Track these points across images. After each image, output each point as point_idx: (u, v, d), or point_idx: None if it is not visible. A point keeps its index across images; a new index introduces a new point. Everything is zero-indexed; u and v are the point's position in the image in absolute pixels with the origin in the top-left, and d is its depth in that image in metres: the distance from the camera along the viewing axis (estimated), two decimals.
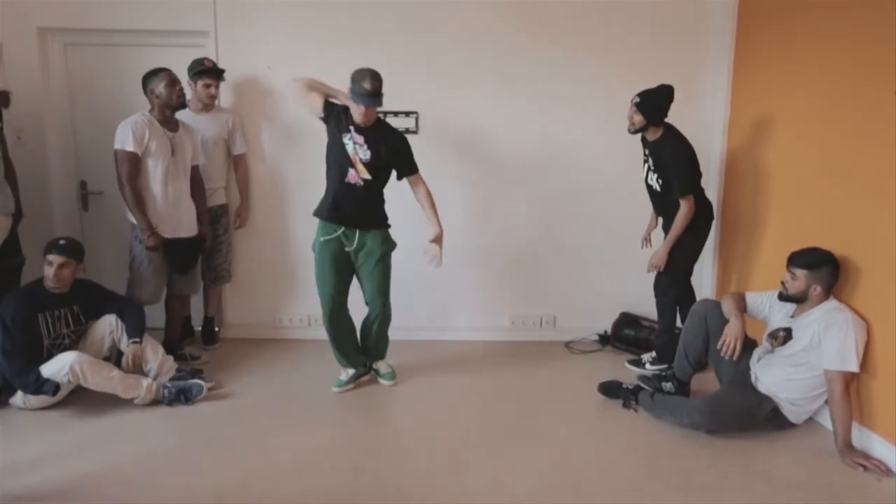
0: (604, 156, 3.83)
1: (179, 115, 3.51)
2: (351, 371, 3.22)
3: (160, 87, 3.13)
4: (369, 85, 2.77)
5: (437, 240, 3.02)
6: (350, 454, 2.58)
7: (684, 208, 3.18)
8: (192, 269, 3.46)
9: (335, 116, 2.97)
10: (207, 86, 3.47)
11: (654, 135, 3.23)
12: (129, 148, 3.06)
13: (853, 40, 2.66)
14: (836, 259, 2.62)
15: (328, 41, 3.70)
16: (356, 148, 2.93)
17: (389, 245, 3.11)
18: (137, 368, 3.00)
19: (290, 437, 2.67)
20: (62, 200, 3.87)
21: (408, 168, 3.07)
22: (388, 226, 3.11)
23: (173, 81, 3.17)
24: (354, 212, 3.00)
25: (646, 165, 3.35)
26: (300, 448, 2.58)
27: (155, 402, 2.92)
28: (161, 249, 3.19)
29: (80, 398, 2.96)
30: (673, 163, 3.16)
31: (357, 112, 2.87)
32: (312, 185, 3.78)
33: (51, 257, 2.90)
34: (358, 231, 3.02)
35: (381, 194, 3.09)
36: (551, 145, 3.83)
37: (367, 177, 2.95)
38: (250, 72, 3.73)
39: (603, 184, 3.86)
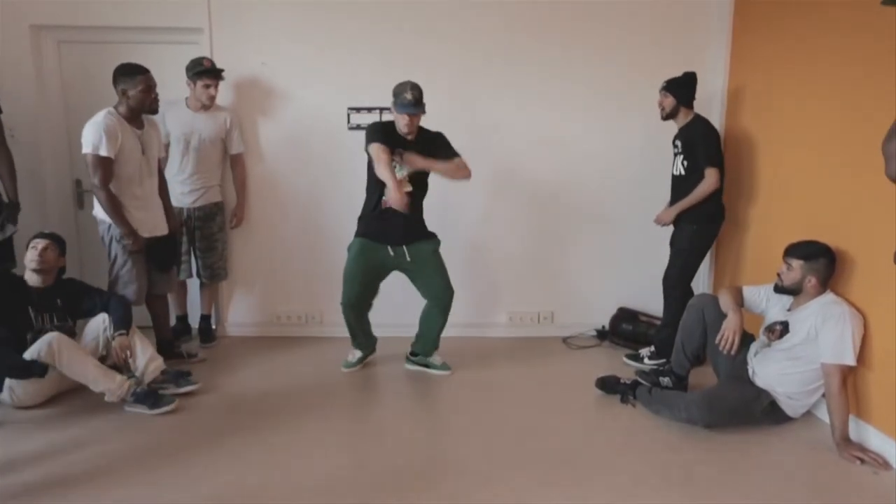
0: (603, 153, 3.83)
1: (179, 111, 3.51)
2: (359, 353, 3.38)
3: (135, 90, 2.98)
4: (410, 95, 2.92)
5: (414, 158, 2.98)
6: (348, 449, 2.58)
7: (709, 179, 3.17)
8: (173, 265, 3.43)
9: (388, 140, 2.99)
10: (207, 86, 3.45)
11: (684, 119, 3.27)
12: (104, 153, 2.91)
13: (851, 37, 2.66)
14: (833, 252, 2.62)
15: (324, 39, 3.69)
16: (402, 168, 3.01)
17: (436, 241, 3.22)
18: (126, 361, 2.94)
19: (288, 434, 2.67)
20: (57, 199, 3.85)
21: (448, 154, 3.06)
22: (433, 234, 3.22)
23: (150, 87, 3.02)
24: (397, 230, 3.08)
25: (674, 157, 3.37)
26: (298, 444, 2.58)
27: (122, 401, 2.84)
28: (143, 251, 3.14)
29: (75, 397, 2.95)
30: (703, 137, 3.20)
31: (402, 122, 2.98)
32: (310, 183, 3.80)
33: (34, 241, 2.94)
34: (405, 247, 3.12)
35: (421, 206, 3.17)
36: (550, 142, 3.82)
37: (408, 189, 3.02)
38: (246, 69, 3.71)
39: (601, 180, 3.86)
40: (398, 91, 2.96)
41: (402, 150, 2.99)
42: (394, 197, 2.83)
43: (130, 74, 3.00)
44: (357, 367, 3.36)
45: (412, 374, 3.37)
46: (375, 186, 3.07)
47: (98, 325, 3.02)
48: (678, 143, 3.32)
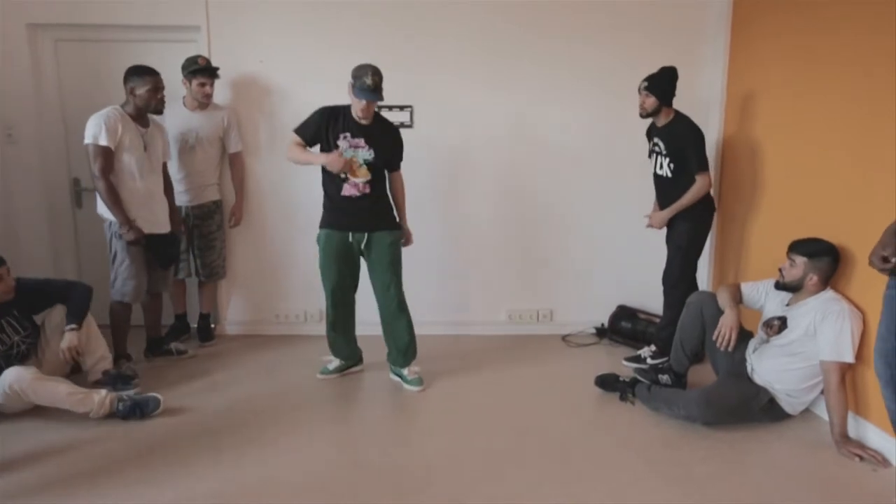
0: (601, 149, 3.83)
1: (176, 110, 3.50)
2: (338, 362, 3.28)
3: (142, 89, 3.06)
4: (370, 80, 2.80)
5: (407, 235, 3.18)
6: (347, 448, 2.58)
7: (699, 183, 3.15)
8: (172, 264, 3.43)
9: (325, 129, 2.94)
10: (202, 84, 3.43)
11: (665, 119, 3.22)
12: (103, 142, 2.97)
13: (851, 35, 2.65)
14: (838, 251, 2.61)
15: (322, 35, 3.68)
16: (355, 152, 2.93)
17: (398, 234, 3.12)
18: (72, 362, 2.89)
19: (287, 432, 2.67)
20: (55, 198, 3.85)
21: (395, 163, 3.11)
22: (398, 227, 3.13)
23: (157, 88, 3.10)
24: (361, 218, 3.01)
25: (654, 156, 3.33)
26: (297, 443, 2.58)
27: (110, 415, 2.73)
28: (142, 244, 3.14)
29: None
30: (690, 139, 3.14)
31: (358, 107, 2.88)
32: (309, 181, 3.77)
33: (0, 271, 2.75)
34: (367, 234, 3.03)
35: (386, 193, 3.11)
36: (548, 139, 3.81)
37: (367, 178, 2.95)
38: (244, 68, 3.70)
39: (600, 177, 3.86)
40: (358, 74, 2.82)
41: (351, 135, 2.93)
42: (332, 160, 2.86)
43: (140, 74, 3.09)
44: (335, 376, 3.25)
45: None
46: (331, 176, 2.98)
47: (56, 319, 2.94)
48: (659, 143, 3.27)
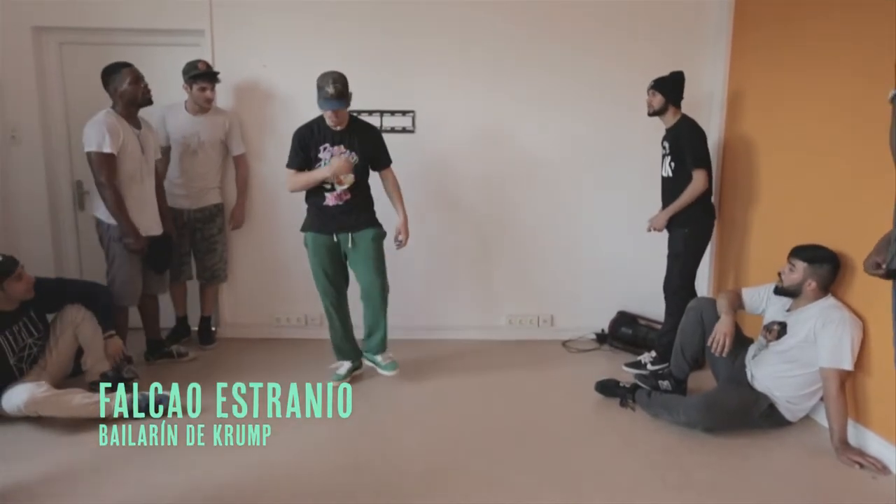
0: (603, 154, 3.84)
1: (178, 115, 3.52)
2: (347, 364, 3.29)
3: (124, 84, 3.03)
4: (332, 88, 2.82)
5: (404, 226, 3.16)
6: (348, 453, 2.57)
7: (697, 180, 3.17)
8: (168, 267, 3.44)
9: (306, 145, 3.02)
10: (203, 89, 3.44)
11: (672, 119, 3.26)
12: (107, 149, 2.95)
13: (852, 39, 2.66)
14: (839, 260, 2.62)
15: (324, 40, 3.69)
16: (339, 160, 3.00)
17: (379, 231, 3.16)
18: (118, 362, 3.01)
19: (287, 436, 2.67)
20: (57, 200, 3.86)
21: (384, 161, 3.15)
22: (379, 224, 3.17)
23: (137, 78, 3.07)
24: (342, 222, 3.08)
25: (662, 157, 3.37)
26: (298, 446, 2.58)
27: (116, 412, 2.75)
28: (145, 251, 3.15)
29: None
30: (688, 138, 3.19)
31: (327, 117, 2.95)
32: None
33: (20, 270, 2.74)
34: (350, 234, 3.10)
35: (367, 193, 3.15)
36: (550, 143, 3.83)
37: (351, 183, 3.01)
38: (247, 71, 3.72)
39: (601, 182, 3.87)
40: (321, 83, 2.84)
41: (331, 144, 2.99)
42: (336, 167, 2.93)
43: (115, 71, 3.06)
44: (347, 380, 3.26)
45: (410, 376, 3.36)
46: (315, 187, 3.06)
47: (68, 319, 2.93)
48: (665, 144, 3.32)
